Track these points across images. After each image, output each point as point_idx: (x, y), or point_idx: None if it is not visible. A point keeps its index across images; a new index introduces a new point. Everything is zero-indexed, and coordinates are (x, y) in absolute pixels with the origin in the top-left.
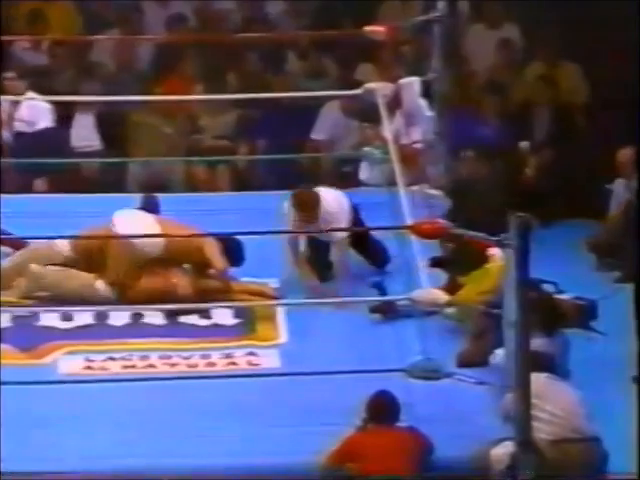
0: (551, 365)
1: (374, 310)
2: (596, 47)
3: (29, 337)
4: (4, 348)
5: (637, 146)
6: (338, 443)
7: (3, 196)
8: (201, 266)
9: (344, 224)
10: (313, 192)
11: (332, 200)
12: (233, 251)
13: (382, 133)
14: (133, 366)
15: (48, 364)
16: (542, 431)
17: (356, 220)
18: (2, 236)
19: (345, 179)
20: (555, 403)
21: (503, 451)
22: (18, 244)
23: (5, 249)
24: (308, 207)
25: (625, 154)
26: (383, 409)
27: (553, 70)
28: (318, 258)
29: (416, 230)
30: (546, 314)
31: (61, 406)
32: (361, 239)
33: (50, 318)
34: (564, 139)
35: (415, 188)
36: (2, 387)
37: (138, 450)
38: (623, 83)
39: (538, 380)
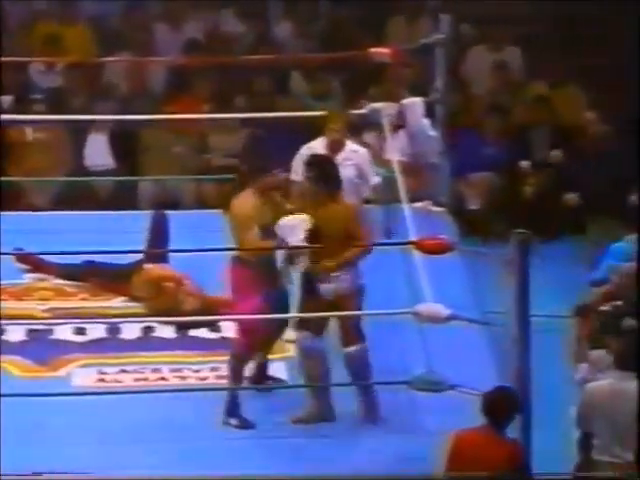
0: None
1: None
2: (597, 67)
3: (44, 350)
4: (20, 361)
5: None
6: (448, 441)
7: (17, 213)
8: None
9: None
10: None
11: None
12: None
13: (386, 151)
14: (145, 379)
15: (62, 377)
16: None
17: None
18: (17, 253)
19: None
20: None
21: None
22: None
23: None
24: None
25: None
26: (498, 407)
27: (552, 91)
28: None
29: (420, 246)
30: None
31: (74, 418)
32: None
33: (64, 332)
34: (564, 158)
35: (419, 205)
36: (16, 399)
37: (143, 461)
38: (624, 103)
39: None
